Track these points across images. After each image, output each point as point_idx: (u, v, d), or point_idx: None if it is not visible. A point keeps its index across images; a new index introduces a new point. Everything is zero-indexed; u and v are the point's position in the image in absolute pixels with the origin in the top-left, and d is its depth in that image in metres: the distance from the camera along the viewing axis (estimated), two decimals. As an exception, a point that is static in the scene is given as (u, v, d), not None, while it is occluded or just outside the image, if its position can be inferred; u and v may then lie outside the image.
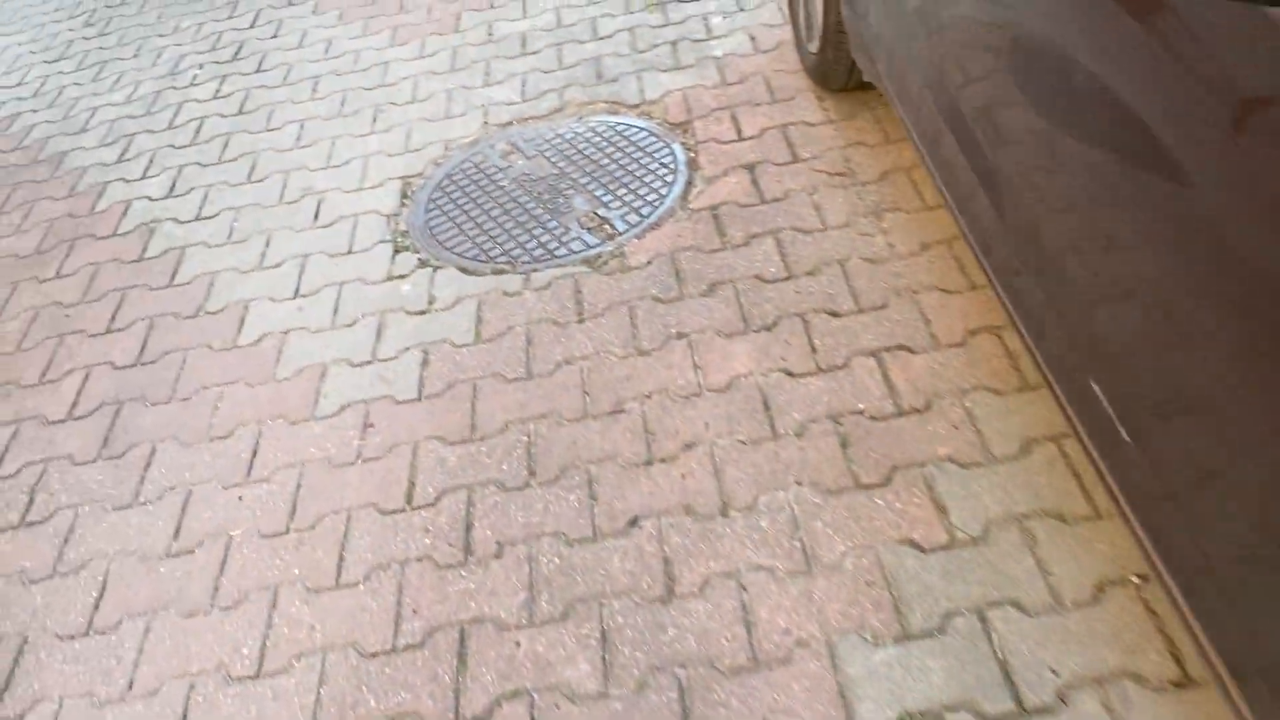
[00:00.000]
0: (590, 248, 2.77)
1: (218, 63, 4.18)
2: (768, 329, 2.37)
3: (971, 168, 1.88)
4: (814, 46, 3.03)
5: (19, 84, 4.42)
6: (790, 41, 3.40)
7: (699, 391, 2.25)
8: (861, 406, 2.13)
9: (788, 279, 2.49)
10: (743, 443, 2.11)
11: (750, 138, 3.02)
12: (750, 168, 2.89)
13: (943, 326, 2.27)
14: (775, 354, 2.30)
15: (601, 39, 3.68)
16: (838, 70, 2.91)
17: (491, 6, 4.09)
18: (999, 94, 1.70)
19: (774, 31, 3.49)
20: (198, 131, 3.71)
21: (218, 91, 3.95)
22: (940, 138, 2.05)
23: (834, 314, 2.37)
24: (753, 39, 3.47)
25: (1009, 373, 2.13)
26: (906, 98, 2.27)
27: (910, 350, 2.23)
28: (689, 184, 2.91)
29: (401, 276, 2.80)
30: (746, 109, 3.14)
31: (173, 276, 2.99)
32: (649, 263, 2.65)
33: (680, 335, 2.40)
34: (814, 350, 2.28)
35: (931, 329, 2.27)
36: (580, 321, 2.51)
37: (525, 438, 2.24)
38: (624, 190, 2.95)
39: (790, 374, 2.24)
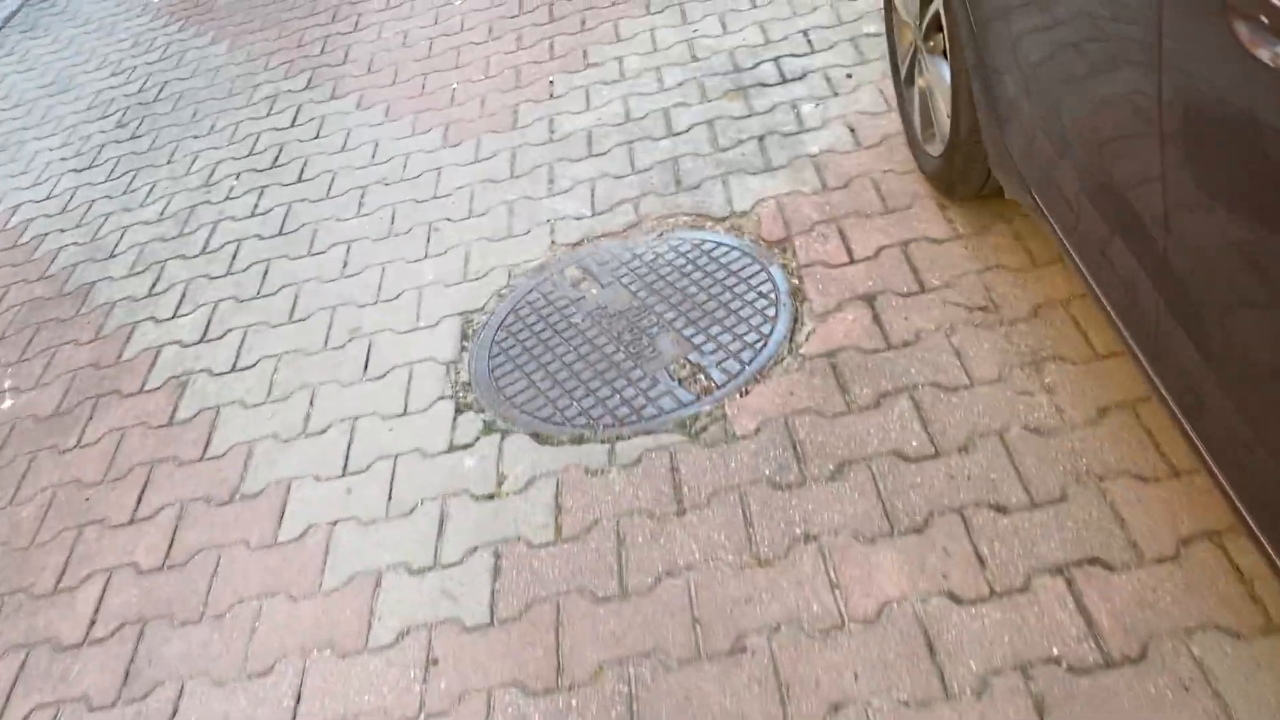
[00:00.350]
0: (684, 405, 2.34)
1: (255, 170, 3.83)
2: (918, 531, 1.91)
3: (1166, 302, 1.43)
4: (935, 149, 2.57)
5: (47, 198, 4.12)
6: (898, 134, 2.95)
7: (840, 623, 1.80)
8: (1055, 652, 1.67)
9: (935, 457, 2.04)
10: (905, 704, 1.66)
11: (864, 259, 2.57)
12: (869, 300, 2.45)
13: (1144, 530, 1.80)
14: (933, 568, 1.84)
15: (677, 135, 3.26)
16: (968, 180, 2.45)
17: (551, 97, 3.69)
18: (1220, 201, 1.24)
19: (877, 121, 3.04)
20: (234, 257, 3.35)
21: (255, 207, 3.59)
22: (1118, 260, 1.59)
23: (1000, 509, 1.91)
24: (852, 131, 3.03)
25: (1245, 604, 1.65)
26: (1063, 210, 1.81)
27: (1107, 566, 1.76)
28: (795, 321, 2.47)
29: (465, 446, 2.39)
30: (856, 221, 2.70)
31: (205, 447, 2.61)
32: (758, 430, 2.21)
33: (808, 538, 1.96)
34: (982, 563, 1.83)
35: (1130, 534, 1.80)
36: (680, 514, 2.08)
37: (625, 687, 1.80)
38: (718, 329, 2.51)
39: (956, 599, 1.78)
